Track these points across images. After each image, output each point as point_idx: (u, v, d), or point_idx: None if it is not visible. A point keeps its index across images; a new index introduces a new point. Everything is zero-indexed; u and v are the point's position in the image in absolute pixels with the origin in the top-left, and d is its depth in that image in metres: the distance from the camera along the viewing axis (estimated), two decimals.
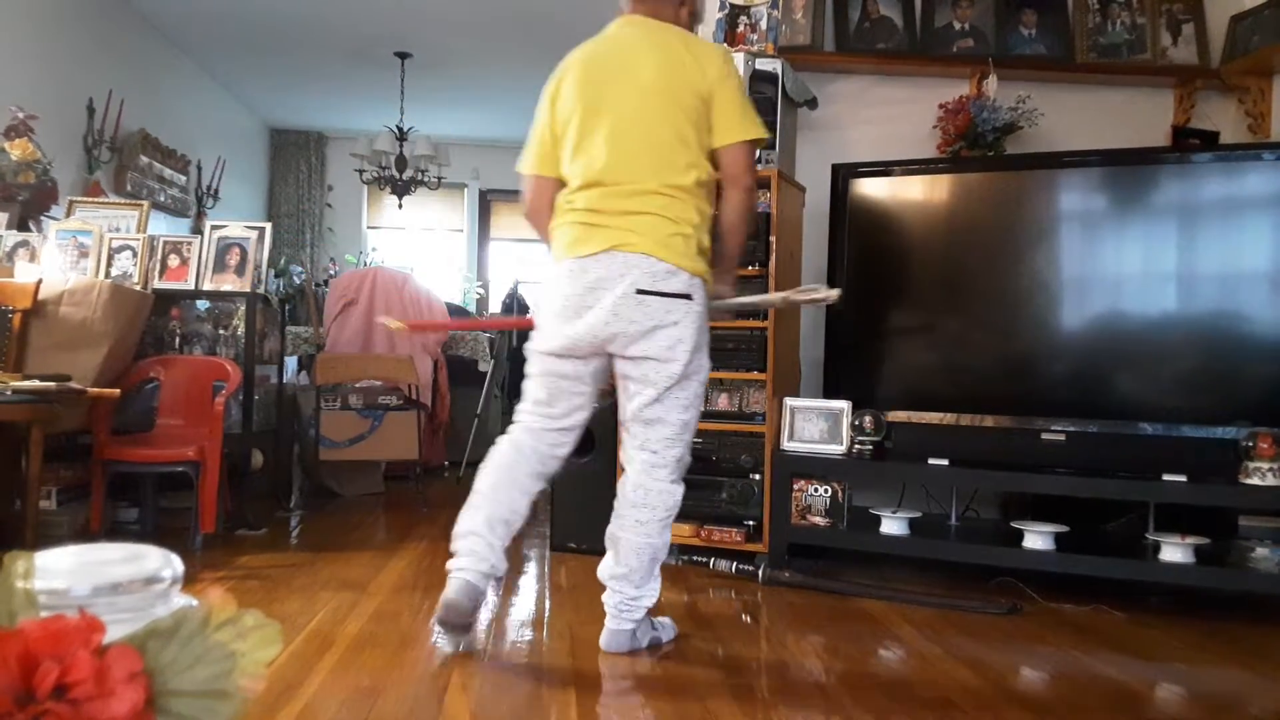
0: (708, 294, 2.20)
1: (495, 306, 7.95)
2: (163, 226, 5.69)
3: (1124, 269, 3.12)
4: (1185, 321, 3.00)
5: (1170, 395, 2.98)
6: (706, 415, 3.26)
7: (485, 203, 9.20)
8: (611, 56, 2.20)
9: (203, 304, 3.88)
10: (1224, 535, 2.88)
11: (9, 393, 2.74)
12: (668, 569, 2.77)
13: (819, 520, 3.07)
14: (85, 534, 3.31)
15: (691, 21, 2.29)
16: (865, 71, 3.77)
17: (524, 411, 2.28)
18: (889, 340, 3.37)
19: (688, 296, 2.11)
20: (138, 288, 3.62)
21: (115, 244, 3.73)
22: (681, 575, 3.07)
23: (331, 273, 7.69)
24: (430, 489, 4.79)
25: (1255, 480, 2.68)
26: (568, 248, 2.16)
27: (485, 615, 2.57)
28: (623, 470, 2.30)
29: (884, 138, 3.68)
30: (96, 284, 3.35)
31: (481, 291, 8.85)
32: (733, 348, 3.17)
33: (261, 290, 3.88)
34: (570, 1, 5.46)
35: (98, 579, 0.80)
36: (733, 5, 3.48)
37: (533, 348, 2.24)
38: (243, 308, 3.83)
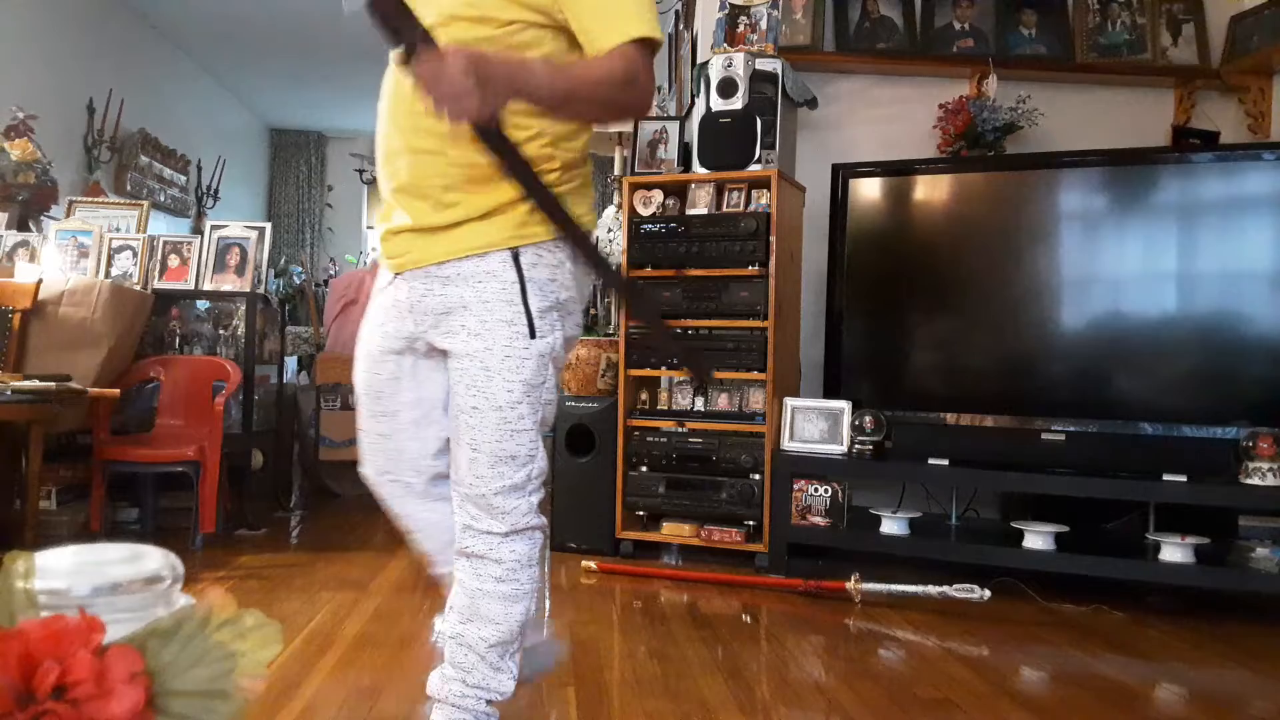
0: None
1: None
2: (163, 226, 5.69)
3: (1124, 269, 3.12)
4: (1185, 321, 3.00)
5: (1170, 395, 2.98)
6: (707, 415, 3.28)
7: None
8: None
9: (203, 304, 3.88)
10: (1224, 535, 2.88)
11: (9, 393, 2.74)
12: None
13: (819, 520, 3.07)
14: (85, 534, 3.31)
15: None
16: (865, 71, 3.77)
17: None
18: (889, 340, 3.37)
19: None
20: (138, 288, 3.62)
21: (115, 244, 3.73)
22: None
23: (331, 273, 7.69)
24: None
25: (1255, 480, 2.68)
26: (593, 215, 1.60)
27: None
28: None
29: (884, 138, 3.68)
30: (96, 284, 3.35)
31: None
32: (733, 348, 3.16)
33: (261, 290, 3.88)
34: None
35: (98, 579, 0.79)
36: (733, 5, 3.48)
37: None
38: (243, 308, 3.82)
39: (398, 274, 1.52)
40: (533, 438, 1.47)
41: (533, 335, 1.44)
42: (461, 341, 1.45)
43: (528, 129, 1.41)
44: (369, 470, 1.66)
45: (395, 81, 1.48)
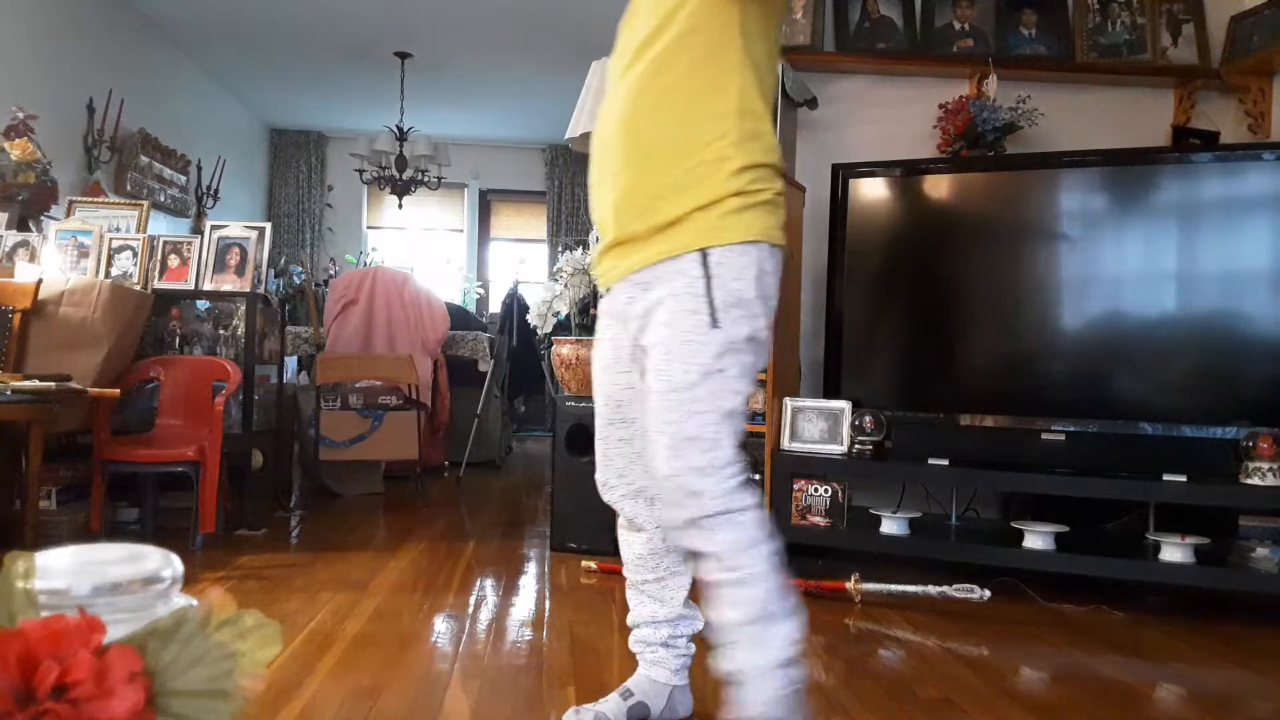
0: None
1: (495, 307, 7.95)
2: (163, 226, 5.69)
3: (1124, 269, 3.12)
4: (1185, 321, 3.00)
5: (1170, 395, 2.98)
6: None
7: (485, 203, 9.21)
8: None
9: (203, 304, 3.88)
10: (1224, 535, 2.88)
11: (9, 393, 2.74)
12: None
13: (819, 520, 3.07)
14: (85, 534, 3.31)
15: None
16: (865, 71, 3.77)
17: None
18: (889, 340, 3.37)
19: None
20: (138, 288, 3.62)
21: (115, 244, 3.73)
22: None
23: (331, 273, 7.70)
24: (430, 489, 4.79)
25: (1255, 480, 2.68)
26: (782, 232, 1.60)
27: (485, 615, 2.57)
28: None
29: (884, 138, 3.68)
30: (96, 284, 3.35)
31: (481, 292, 8.86)
32: None
33: (261, 290, 3.88)
34: (571, 2, 5.46)
35: (98, 579, 0.79)
36: None
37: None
38: (243, 308, 3.82)
39: (609, 287, 1.66)
40: (715, 422, 1.48)
41: (714, 325, 1.49)
42: (652, 332, 1.53)
43: (711, 130, 1.51)
44: (601, 476, 1.78)
45: (612, 101, 1.61)
